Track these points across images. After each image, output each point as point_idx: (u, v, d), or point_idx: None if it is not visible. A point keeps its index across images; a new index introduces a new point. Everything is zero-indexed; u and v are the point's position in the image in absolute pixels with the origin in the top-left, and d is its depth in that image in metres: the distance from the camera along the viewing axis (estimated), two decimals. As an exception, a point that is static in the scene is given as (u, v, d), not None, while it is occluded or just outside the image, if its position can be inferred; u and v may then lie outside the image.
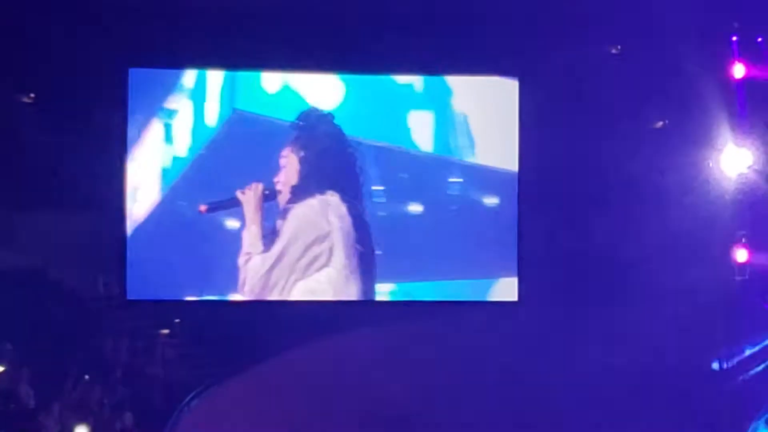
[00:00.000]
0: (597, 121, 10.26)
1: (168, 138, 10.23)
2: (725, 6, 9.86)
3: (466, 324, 10.21)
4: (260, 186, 10.01)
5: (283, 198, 10.09)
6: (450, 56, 10.18)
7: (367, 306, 10.18)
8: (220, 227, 10.13)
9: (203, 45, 10.00)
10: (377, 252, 10.17)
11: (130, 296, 10.07)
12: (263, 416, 9.80)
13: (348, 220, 10.10)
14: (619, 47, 10.47)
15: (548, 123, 10.25)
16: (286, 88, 10.27)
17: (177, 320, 10.22)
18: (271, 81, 10.26)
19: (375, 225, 10.23)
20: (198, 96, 10.27)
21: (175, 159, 10.24)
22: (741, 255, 10.21)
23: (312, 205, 10.08)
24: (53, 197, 9.94)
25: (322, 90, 10.30)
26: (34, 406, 9.47)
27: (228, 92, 10.27)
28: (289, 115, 10.20)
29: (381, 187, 10.33)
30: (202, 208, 10.00)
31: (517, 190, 10.33)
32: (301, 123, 10.18)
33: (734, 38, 10.17)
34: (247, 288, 10.06)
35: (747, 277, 10.20)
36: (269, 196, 10.02)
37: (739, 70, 10.19)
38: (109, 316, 10.10)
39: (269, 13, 9.86)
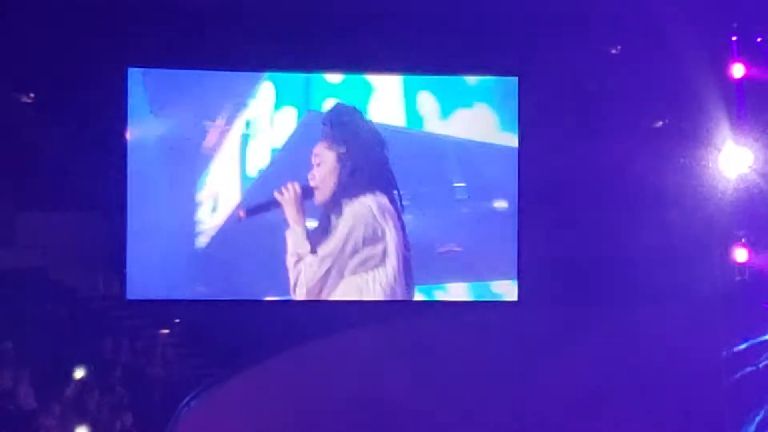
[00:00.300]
0: (596, 121, 10.25)
1: (245, 146, 10.23)
2: (725, 6, 9.86)
3: (465, 324, 10.20)
4: (297, 185, 9.87)
5: (321, 195, 9.95)
6: (448, 55, 10.16)
7: (364, 306, 10.13)
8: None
9: (204, 45, 9.97)
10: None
11: (130, 296, 10.04)
12: (263, 416, 9.81)
13: (398, 222, 10.00)
14: (618, 47, 10.47)
15: (548, 122, 10.24)
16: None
17: (177, 320, 10.20)
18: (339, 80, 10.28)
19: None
20: (276, 100, 10.28)
21: (253, 166, 10.25)
22: (741, 255, 10.23)
23: (367, 204, 9.94)
24: (53, 197, 9.94)
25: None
26: (34, 406, 9.47)
27: (303, 94, 10.27)
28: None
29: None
30: (241, 213, 9.90)
31: (516, 190, 10.29)
32: (332, 118, 10.07)
33: (734, 38, 10.19)
34: (302, 289, 9.92)
35: (747, 277, 10.22)
36: (307, 194, 9.88)
37: (738, 70, 10.21)
38: (109, 315, 10.08)
39: (272, 14, 9.86)
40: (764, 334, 10.32)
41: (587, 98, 10.39)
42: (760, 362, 10.24)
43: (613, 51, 10.49)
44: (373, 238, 9.92)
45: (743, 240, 10.24)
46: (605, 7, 9.86)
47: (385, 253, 9.94)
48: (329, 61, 10.14)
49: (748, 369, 10.23)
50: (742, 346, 10.29)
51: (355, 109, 10.17)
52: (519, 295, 10.29)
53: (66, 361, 9.80)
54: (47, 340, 9.77)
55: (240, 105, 10.20)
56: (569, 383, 9.99)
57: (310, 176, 9.91)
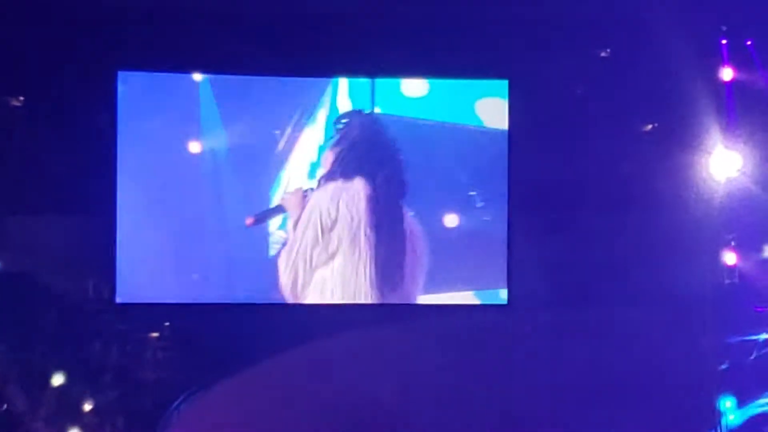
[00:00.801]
0: (586, 124, 10.24)
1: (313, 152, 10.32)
2: (714, 9, 9.88)
3: (455, 327, 10.19)
4: (300, 189, 10.10)
5: None
6: (437, 59, 10.16)
7: (355, 309, 10.16)
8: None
9: (194, 48, 9.97)
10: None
11: (120, 299, 10.02)
12: (254, 420, 9.78)
13: (367, 205, 10.12)
14: (608, 50, 10.48)
15: (538, 125, 10.25)
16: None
17: (167, 323, 10.18)
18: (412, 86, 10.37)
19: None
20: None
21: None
22: (730, 258, 10.26)
23: (328, 189, 10.13)
24: (42, 200, 9.90)
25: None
26: (23, 409, 9.44)
27: (368, 98, 10.34)
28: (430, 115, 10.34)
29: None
30: (249, 220, 10.08)
31: (506, 193, 10.30)
32: (341, 124, 10.23)
33: (723, 42, 10.22)
34: (282, 280, 10.14)
35: (737, 280, 10.25)
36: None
37: (727, 74, 10.24)
38: (98, 319, 10.05)
39: (261, 16, 9.86)
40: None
41: (577, 101, 10.39)
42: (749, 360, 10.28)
43: (603, 54, 10.49)
44: (329, 224, 10.06)
45: (733, 243, 10.28)
46: (595, 10, 9.88)
47: (340, 240, 10.06)
48: (328, 64, 10.21)
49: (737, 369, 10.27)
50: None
51: (355, 111, 10.25)
52: (509, 299, 10.32)
53: (55, 365, 9.76)
54: (36, 344, 9.74)
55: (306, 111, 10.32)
56: (559, 386, 9.98)
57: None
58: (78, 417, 9.72)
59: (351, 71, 10.28)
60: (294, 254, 10.08)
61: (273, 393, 9.88)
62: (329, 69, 10.25)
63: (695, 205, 10.24)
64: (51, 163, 9.83)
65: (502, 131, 10.32)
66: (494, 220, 10.33)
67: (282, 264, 10.11)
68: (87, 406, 9.78)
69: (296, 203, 10.09)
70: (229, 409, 9.80)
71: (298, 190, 10.10)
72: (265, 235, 10.23)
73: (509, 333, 10.21)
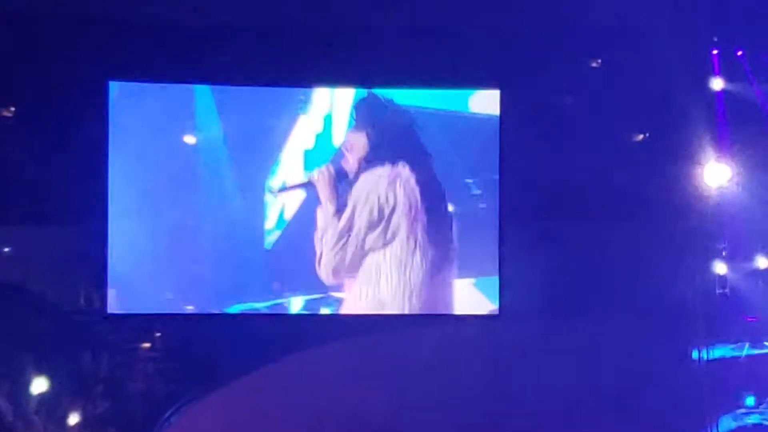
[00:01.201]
0: (578, 134, 10.24)
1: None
2: (706, 20, 9.88)
3: (447, 336, 10.20)
4: (331, 166, 10.15)
5: (353, 173, 10.24)
6: (429, 69, 10.17)
7: (347, 319, 10.17)
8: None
9: (186, 59, 9.96)
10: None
11: (111, 310, 10.01)
12: (245, 430, 9.81)
13: (415, 188, 10.18)
14: (599, 60, 10.49)
15: (529, 134, 10.25)
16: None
17: (158, 334, 10.17)
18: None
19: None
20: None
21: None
22: (722, 268, 10.28)
23: (378, 174, 10.18)
24: (33, 210, 9.88)
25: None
26: (13, 420, 9.43)
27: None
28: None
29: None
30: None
31: (498, 201, 10.30)
32: (358, 107, 10.29)
33: (715, 52, 10.23)
34: (327, 267, 10.13)
35: (727, 290, 10.26)
36: (341, 176, 10.15)
37: (718, 84, 10.25)
38: (89, 329, 10.04)
39: (252, 27, 9.87)
40: (744, 347, 10.37)
41: (569, 111, 10.41)
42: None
43: (594, 64, 10.50)
44: (385, 207, 10.11)
45: (724, 253, 10.29)
46: (586, 20, 9.87)
47: (398, 224, 10.12)
48: (318, 74, 10.20)
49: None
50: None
51: (377, 96, 10.32)
52: (500, 309, 10.31)
53: (46, 375, 9.74)
54: (27, 354, 9.73)
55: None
56: (551, 396, 9.99)
57: (343, 162, 10.20)
58: (68, 427, 9.70)
59: (345, 82, 10.29)
60: (345, 237, 10.10)
61: (264, 403, 9.89)
62: (322, 80, 10.24)
63: (687, 215, 10.26)
64: (42, 173, 9.78)
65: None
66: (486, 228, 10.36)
67: (327, 246, 10.11)
68: (78, 417, 9.77)
69: (324, 179, 10.12)
70: (221, 420, 9.81)
71: (327, 167, 10.14)
72: (261, 233, 10.23)
73: (501, 342, 10.22)
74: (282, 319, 10.14)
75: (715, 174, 10.23)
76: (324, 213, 10.15)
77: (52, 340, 9.89)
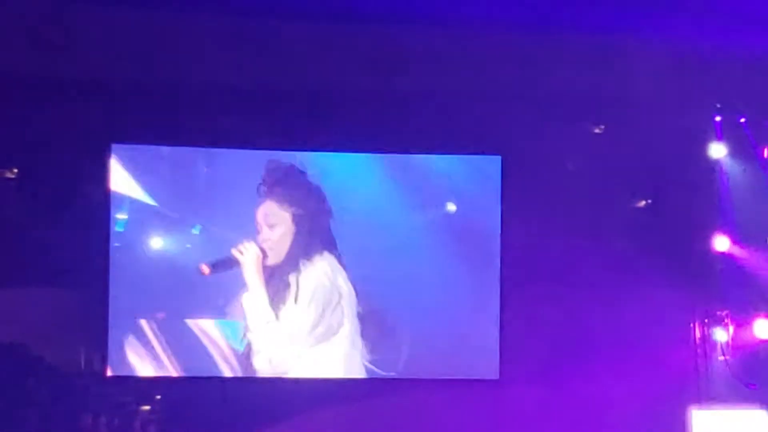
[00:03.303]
0: (579, 200, 10.26)
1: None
2: (709, 87, 9.84)
3: (447, 401, 10.18)
4: (255, 246, 9.88)
5: (276, 257, 9.99)
6: (431, 136, 10.17)
7: (345, 383, 10.15)
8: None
9: (187, 122, 9.99)
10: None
11: (111, 372, 10.02)
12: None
13: (349, 284, 10.06)
14: (602, 126, 10.48)
15: (531, 200, 10.24)
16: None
17: (158, 396, 10.17)
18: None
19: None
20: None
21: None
22: (722, 335, 10.25)
23: (323, 268, 10.01)
24: (34, 272, 9.89)
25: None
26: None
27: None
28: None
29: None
30: (205, 268, 9.82)
31: (499, 267, 10.28)
32: (275, 177, 10.03)
33: (717, 119, 10.21)
34: (263, 358, 9.99)
35: (729, 357, 10.22)
36: (264, 255, 9.90)
37: (721, 151, 10.23)
38: (89, 391, 10.04)
39: (253, 91, 9.86)
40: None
41: (570, 177, 10.40)
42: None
43: (597, 130, 10.50)
44: (332, 302, 9.98)
45: (726, 320, 10.26)
46: (589, 87, 9.83)
47: (342, 317, 10.01)
48: (312, 140, 10.19)
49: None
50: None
51: (292, 165, 10.10)
52: (500, 373, 10.29)
53: (45, 437, 9.78)
54: (27, 416, 9.73)
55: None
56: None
57: (260, 238, 9.92)
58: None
59: (346, 147, 10.28)
60: (294, 330, 9.96)
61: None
62: (324, 145, 10.23)
63: (688, 281, 10.23)
64: (44, 235, 9.81)
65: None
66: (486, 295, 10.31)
67: (275, 342, 9.97)
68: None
69: (251, 260, 9.81)
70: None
71: (251, 245, 9.81)
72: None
73: (500, 407, 10.20)
74: (284, 382, 10.11)
75: (717, 240, 10.21)
76: (257, 302, 9.93)
77: (52, 402, 9.89)
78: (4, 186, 10.12)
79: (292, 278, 10.03)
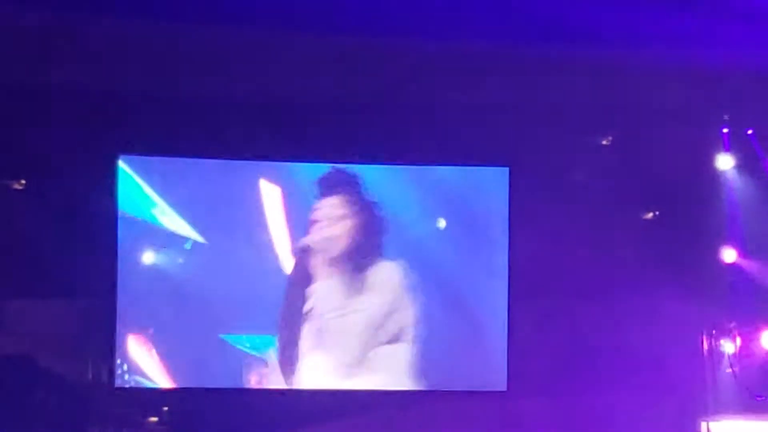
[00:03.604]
0: (587, 211, 10.26)
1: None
2: (716, 98, 9.86)
3: (454, 412, 10.18)
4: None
5: (338, 251, 10.17)
6: (439, 147, 10.18)
7: (354, 395, 10.13)
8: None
9: (198, 134, 9.99)
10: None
11: (119, 383, 10.02)
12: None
13: (419, 295, 10.18)
14: (609, 138, 10.50)
15: (539, 212, 10.24)
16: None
17: (165, 408, 10.16)
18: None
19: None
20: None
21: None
22: (730, 347, 10.24)
23: (395, 272, 10.17)
24: (43, 284, 9.89)
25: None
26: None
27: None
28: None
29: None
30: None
31: (507, 279, 10.28)
32: (337, 178, 10.21)
33: (725, 130, 10.22)
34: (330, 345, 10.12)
35: (737, 369, 10.22)
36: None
37: (728, 162, 10.25)
38: (97, 403, 10.03)
39: (263, 104, 9.89)
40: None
41: (578, 189, 10.40)
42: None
43: (604, 142, 10.51)
44: (399, 309, 10.10)
45: (733, 332, 10.25)
46: (596, 98, 9.85)
47: (405, 326, 10.11)
48: (315, 151, 10.22)
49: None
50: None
51: (355, 174, 10.26)
52: (508, 385, 10.28)
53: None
54: (36, 429, 9.72)
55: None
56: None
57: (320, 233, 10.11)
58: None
59: (353, 159, 10.29)
60: (359, 324, 10.09)
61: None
62: (332, 156, 10.24)
63: (696, 293, 10.20)
64: (52, 246, 9.79)
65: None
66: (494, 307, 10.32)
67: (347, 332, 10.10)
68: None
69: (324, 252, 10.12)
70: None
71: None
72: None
73: (508, 419, 10.19)
74: (292, 394, 10.10)
75: (726, 252, 10.22)
76: (324, 290, 10.11)
77: (60, 414, 9.89)
78: (11, 197, 10.10)
79: (360, 278, 10.18)
